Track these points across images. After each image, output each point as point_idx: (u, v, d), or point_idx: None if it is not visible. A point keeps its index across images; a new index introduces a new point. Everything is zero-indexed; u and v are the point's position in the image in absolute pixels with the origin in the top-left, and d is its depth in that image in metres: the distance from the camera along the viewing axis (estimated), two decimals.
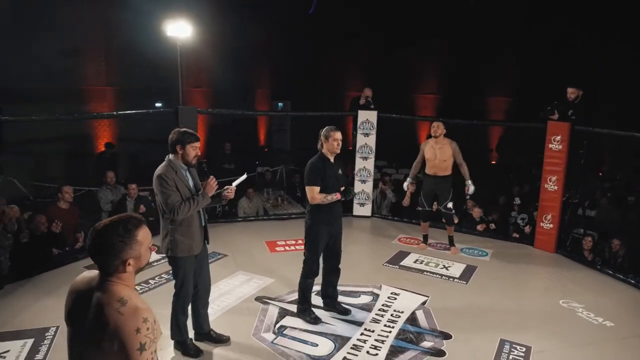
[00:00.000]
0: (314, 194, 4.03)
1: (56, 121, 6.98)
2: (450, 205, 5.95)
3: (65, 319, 1.76)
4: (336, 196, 4.08)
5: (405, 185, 6.29)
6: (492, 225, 6.87)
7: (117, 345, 1.59)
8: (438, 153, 5.87)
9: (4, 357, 3.58)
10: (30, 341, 3.78)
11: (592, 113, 6.14)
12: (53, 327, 3.94)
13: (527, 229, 6.65)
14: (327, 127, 4.17)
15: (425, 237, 6.37)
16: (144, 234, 1.74)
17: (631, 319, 4.54)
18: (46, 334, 3.87)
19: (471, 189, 5.89)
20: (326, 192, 4.05)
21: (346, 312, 4.43)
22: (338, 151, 4.14)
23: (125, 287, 1.69)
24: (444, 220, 6.18)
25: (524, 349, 3.90)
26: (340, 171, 4.23)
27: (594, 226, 6.82)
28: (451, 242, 6.17)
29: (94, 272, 1.76)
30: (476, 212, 6.95)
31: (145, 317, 1.63)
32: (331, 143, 4.08)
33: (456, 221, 6.42)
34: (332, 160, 4.15)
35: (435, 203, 6.18)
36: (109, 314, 1.62)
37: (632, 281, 5.29)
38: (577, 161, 6.15)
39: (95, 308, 1.65)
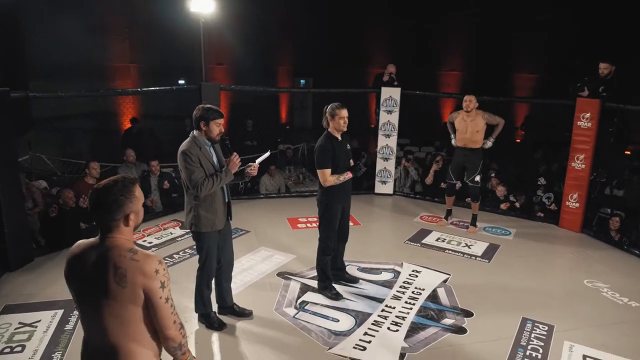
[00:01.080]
0: (326, 176, 4.02)
1: (82, 97, 7.08)
2: (477, 178, 5.89)
3: (67, 284, 1.86)
4: (348, 176, 4.08)
5: (453, 142, 6.08)
6: (517, 204, 6.77)
7: (141, 290, 1.74)
8: (470, 125, 5.78)
9: (36, 327, 3.72)
10: (60, 312, 3.93)
11: (630, 92, 5.90)
12: None
13: (552, 207, 6.53)
14: (332, 104, 4.08)
15: (449, 212, 6.34)
16: (139, 191, 1.87)
17: None
18: (75, 305, 3.99)
19: (488, 144, 5.84)
20: (337, 171, 4.04)
21: (354, 280, 4.54)
22: (345, 129, 4.08)
23: (127, 240, 1.83)
24: (468, 200, 6.11)
25: (546, 328, 3.88)
26: (348, 146, 4.20)
27: (621, 206, 6.65)
28: (473, 221, 6.11)
29: (89, 240, 1.87)
30: (500, 191, 6.85)
31: (159, 260, 1.80)
32: (337, 121, 4.03)
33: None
34: (339, 138, 4.11)
35: (460, 180, 6.12)
36: (125, 264, 1.75)
37: None
38: (606, 139, 5.97)
39: (107, 263, 1.76)
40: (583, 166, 5.98)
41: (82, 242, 1.88)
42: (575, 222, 6.14)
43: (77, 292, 1.85)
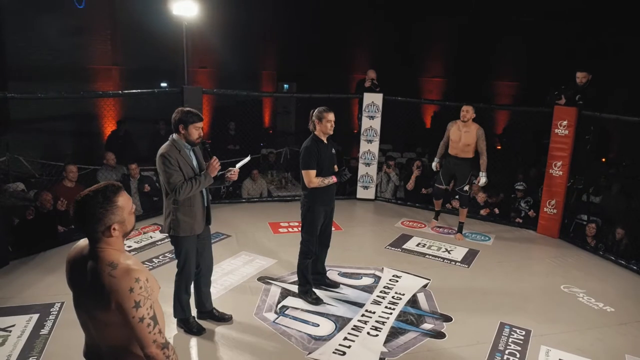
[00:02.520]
0: (310, 178, 4.03)
1: (62, 99, 6.98)
2: (466, 188, 6.01)
3: (67, 284, 1.87)
4: (332, 179, 4.10)
5: (433, 165, 6.22)
6: (496, 210, 6.86)
7: (115, 305, 1.71)
8: (463, 136, 5.84)
9: (10, 331, 3.64)
10: (35, 316, 3.85)
11: (606, 97, 6.05)
12: (58, 302, 4.01)
13: (531, 214, 6.64)
14: (319, 107, 4.11)
15: (437, 213, 6.46)
16: (123, 199, 1.82)
17: (632, 305, 4.55)
18: (51, 310, 3.93)
19: (482, 180, 5.86)
20: (322, 174, 4.06)
21: (335, 285, 4.55)
22: (331, 132, 4.11)
23: (114, 251, 1.79)
24: (456, 205, 6.22)
25: (523, 332, 3.93)
26: (333, 150, 4.23)
27: (597, 212, 6.79)
28: (460, 229, 6.17)
29: (87, 241, 1.84)
30: (481, 197, 6.95)
31: (137, 277, 1.73)
32: (325, 124, 4.06)
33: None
34: (325, 141, 4.13)
35: (450, 184, 6.26)
36: (103, 278, 1.72)
37: (634, 267, 5.29)
38: (583, 147, 6.10)
39: (90, 275, 1.75)
40: (560, 173, 6.10)
41: (79, 245, 1.87)
42: (552, 228, 6.24)
43: (73, 295, 1.86)
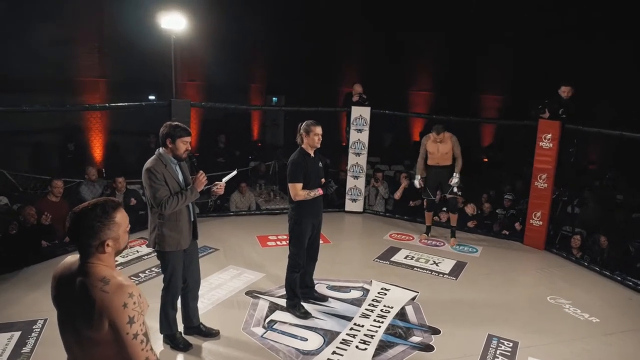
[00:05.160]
0: (297, 190, 4.04)
1: (48, 112, 6.92)
2: (455, 189, 6.13)
3: (53, 303, 1.82)
4: (319, 192, 4.12)
5: (416, 182, 6.35)
6: (487, 206, 6.95)
7: (107, 322, 1.66)
8: (440, 147, 6.08)
9: None
10: (17, 334, 3.77)
11: (591, 109, 6.20)
12: (41, 319, 3.93)
13: (517, 226, 6.70)
14: (306, 121, 4.14)
15: (428, 229, 6.50)
16: (121, 216, 1.80)
17: (616, 315, 4.60)
18: (34, 327, 3.86)
19: (455, 180, 6.08)
20: (308, 187, 4.08)
21: (323, 298, 4.53)
22: (318, 145, 4.14)
23: (105, 267, 1.75)
24: (444, 217, 6.27)
25: (511, 344, 3.94)
26: (320, 164, 4.24)
27: (582, 224, 6.87)
28: (453, 233, 6.32)
29: (75, 257, 1.81)
30: (470, 208, 7.00)
31: (130, 292, 1.70)
32: (312, 138, 4.08)
33: (460, 204, 6.63)
34: (312, 154, 4.15)
35: (438, 193, 6.36)
36: (94, 294, 1.68)
37: (618, 278, 5.35)
38: (567, 159, 6.20)
39: (80, 291, 1.70)
40: (545, 185, 6.18)
41: (67, 261, 1.83)
42: (539, 240, 6.30)
43: (58, 314, 1.80)
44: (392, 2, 11.79)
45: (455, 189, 6.15)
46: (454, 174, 6.09)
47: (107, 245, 1.75)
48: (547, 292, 5.03)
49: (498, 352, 3.84)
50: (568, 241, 6.25)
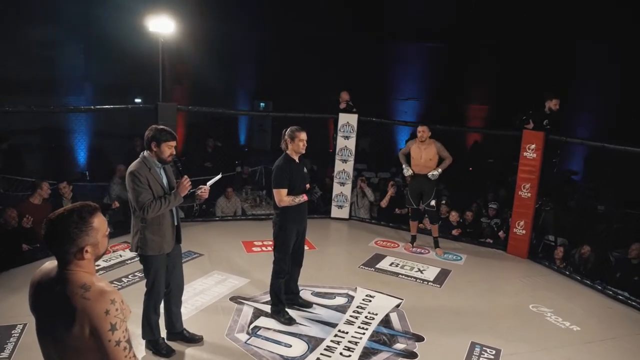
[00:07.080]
0: (281, 196, 4.04)
1: (31, 113, 6.82)
2: (433, 202, 6.13)
3: (30, 310, 1.77)
4: (303, 198, 4.12)
5: (405, 172, 6.21)
6: (469, 214, 7.01)
7: (89, 330, 1.63)
8: (424, 153, 6.05)
9: None
10: None
11: (574, 121, 6.31)
12: (20, 324, 3.86)
13: (501, 235, 6.77)
14: (291, 127, 4.15)
15: (413, 238, 6.49)
16: (99, 220, 1.75)
17: (596, 324, 4.67)
18: (12, 332, 3.79)
19: (434, 173, 5.99)
20: (293, 193, 4.08)
21: (308, 305, 4.53)
22: (303, 151, 4.15)
23: (85, 274, 1.71)
24: (428, 225, 6.30)
25: (493, 352, 3.97)
26: (305, 169, 4.26)
27: (563, 232, 6.96)
28: (436, 244, 6.31)
29: (54, 263, 1.76)
30: (453, 216, 7.05)
31: (112, 299, 1.66)
32: (297, 144, 4.09)
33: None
34: (297, 160, 4.16)
35: (420, 204, 6.33)
36: (75, 301, 1.64)
37: (599, 287, 5.43)
38: (550, 169, 6.29)
39: (60, 298, 1.66)
40: (529, 194, 6.26)
41: (46, 267, 1.77)
42: (522, 249, 6.37)
43: (37, 322, 1.75)
44: (382, 10, 11.90)
45: (432, 202, 6.11)
46: (437, 168, 5.99)
47: (86, 251, 1.70)
48: (529, 300, 5.08)
49: (481, 359, 3.87)
50: (551, 250, 6.32)
